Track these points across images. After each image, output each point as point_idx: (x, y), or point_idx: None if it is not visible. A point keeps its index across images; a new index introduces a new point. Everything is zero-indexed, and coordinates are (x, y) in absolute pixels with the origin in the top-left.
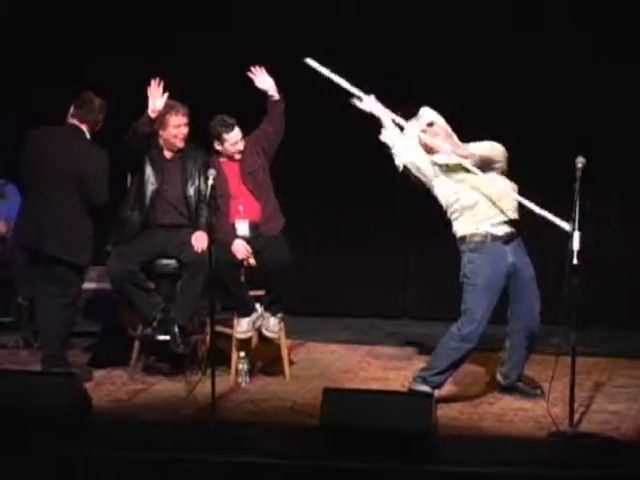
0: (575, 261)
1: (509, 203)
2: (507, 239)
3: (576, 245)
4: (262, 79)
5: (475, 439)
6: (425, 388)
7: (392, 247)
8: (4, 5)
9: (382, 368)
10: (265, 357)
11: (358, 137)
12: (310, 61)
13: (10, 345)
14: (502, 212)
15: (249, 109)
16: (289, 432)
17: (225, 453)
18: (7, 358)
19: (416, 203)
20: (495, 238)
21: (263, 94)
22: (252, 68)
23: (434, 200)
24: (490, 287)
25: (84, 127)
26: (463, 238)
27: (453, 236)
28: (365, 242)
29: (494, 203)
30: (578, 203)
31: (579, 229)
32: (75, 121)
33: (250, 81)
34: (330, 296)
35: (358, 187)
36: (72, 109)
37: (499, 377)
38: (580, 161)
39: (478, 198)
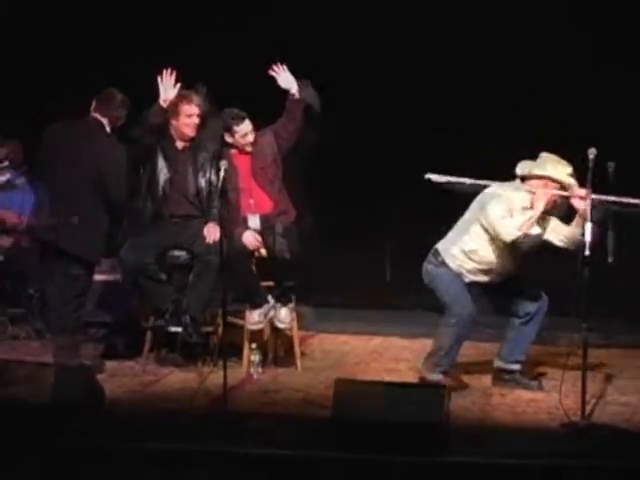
0: (587, 252)
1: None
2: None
3: (588, 237)
4: (285, 77)
5: (488, 430)
6: (437, 374)
7: (396, 237)
8: (4, 5)
9: (394, 359)
10: (277, 348)
11: (353, 134)
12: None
13: (22, 336)
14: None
15: (261, 103)
16: (301, 423)
17: (237, 444)
18: (19, 349)
19: (430, 196)
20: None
21: (276, 89)
22: (274, 66)
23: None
24: (457, 282)
25: (105, 122)
26: (446, 256)
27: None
28: (370, 233)
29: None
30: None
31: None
32: (97, 115)
33: (270, 78)
34: (341, 287)
35: (369, 176)
36: (94, 103)
37: (496, 360)
38: (592, 152)
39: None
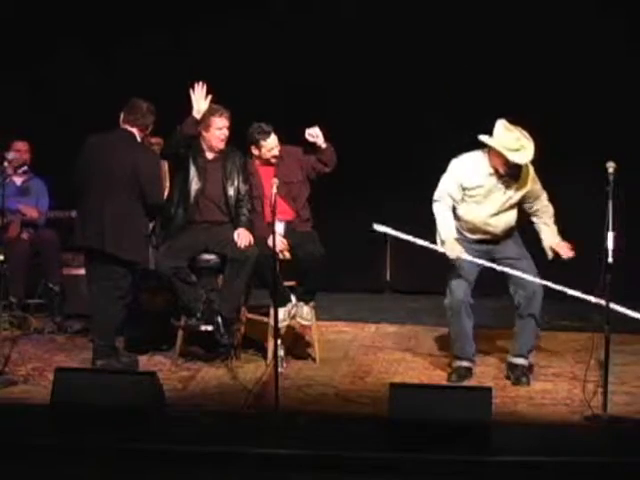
0: (610, 260)
1: (497, 234)
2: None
3: (610, 245)
4: (317, 139)
5: (521, 426)
6: (462, 362)
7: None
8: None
9: (397, 348)
10: (286, 340)
11: (346, 128)
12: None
13: (46, 331)
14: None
15: (286, 114)
16: (354, 423)
17: (299, 447)
18: (47, 344)
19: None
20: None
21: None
22: (308, 133)
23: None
24: (463, 259)
25: (135, 131)
26: None
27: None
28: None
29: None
30: (611, 205)
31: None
32: (127, 126)
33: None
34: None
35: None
36: (122, 115)
37: (509, 357)
38: (611, 165)
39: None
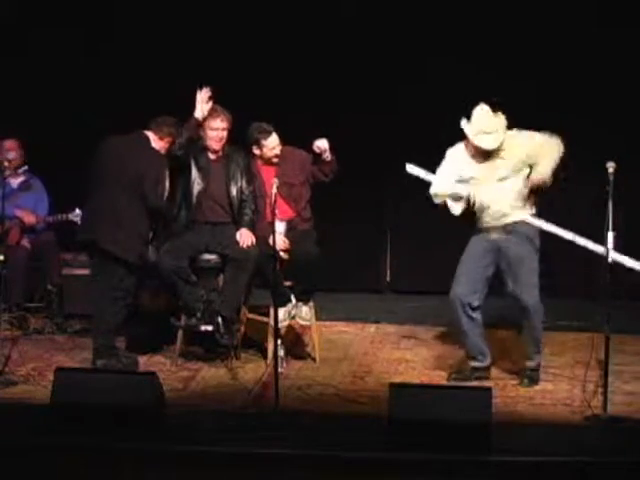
0: (610, 260)
1: (504, 207)
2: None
3: (610, 245)
4: (324, 153)
5: (521, 426)
6: (474, 363)
7: (371, 219)
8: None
9: (396, 348)
10: (286, 340)
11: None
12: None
13: (46, 331)
14: (492, 215)
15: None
16: (354, 423)
17: (300, 447)
18: (47, 344)
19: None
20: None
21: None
22: (316, 145)
23: None
24: (470, 254)
25: (151, 135)
26: None
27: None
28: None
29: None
30: (611, 205)
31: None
32: (145, 131)
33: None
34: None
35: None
36: (149, 123)
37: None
38: (611, 165)
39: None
